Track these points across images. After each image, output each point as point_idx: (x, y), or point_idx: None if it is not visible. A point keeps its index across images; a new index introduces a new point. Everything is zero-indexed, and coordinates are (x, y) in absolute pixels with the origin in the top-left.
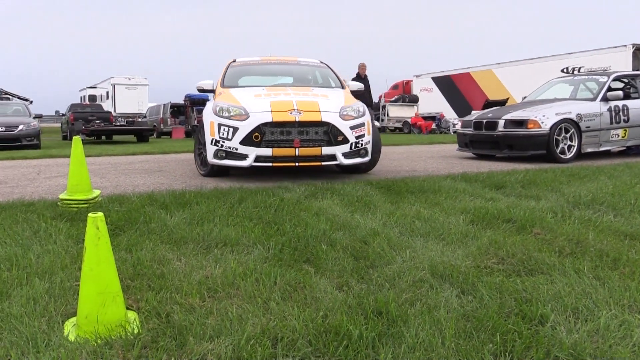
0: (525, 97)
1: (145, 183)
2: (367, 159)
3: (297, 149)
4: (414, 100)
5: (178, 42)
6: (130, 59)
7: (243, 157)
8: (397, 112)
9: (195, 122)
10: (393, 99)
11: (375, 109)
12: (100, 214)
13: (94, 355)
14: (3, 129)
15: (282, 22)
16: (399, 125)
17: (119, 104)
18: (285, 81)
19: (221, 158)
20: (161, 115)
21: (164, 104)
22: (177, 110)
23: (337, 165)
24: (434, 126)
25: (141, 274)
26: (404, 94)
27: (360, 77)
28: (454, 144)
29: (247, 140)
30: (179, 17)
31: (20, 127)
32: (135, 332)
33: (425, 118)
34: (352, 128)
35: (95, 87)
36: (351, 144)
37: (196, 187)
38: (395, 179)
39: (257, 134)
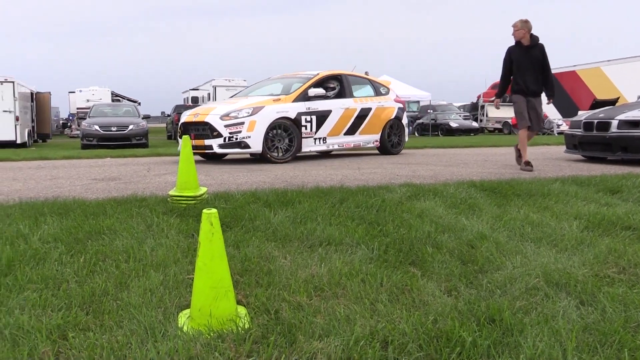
0: None
1: (247, 181)
2: (250, 149)
3: (193, 141)
4: None
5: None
6: (230, 63)
7: None
8: (497, 112)
9: None
10: (492, 98)
11: (473, 109)
12: (214, 210)
13: (207, 348)
14: (115, 128)
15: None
16: (498, 126)
17: None
18: (273, 90)
19: None
20: None
21: None
22: None
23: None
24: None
25: (249, 270)
26: (505, 94)
27: (522, 45)
28: (560, 145)
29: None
30: (275, 24)
31: (130, 127)
32: (246, 327)
33: None
34: (226, 126)
35: (197, 89)
36: (224, 137)
37: (297, 186)
38: (500, 180)
39: (181, 128)
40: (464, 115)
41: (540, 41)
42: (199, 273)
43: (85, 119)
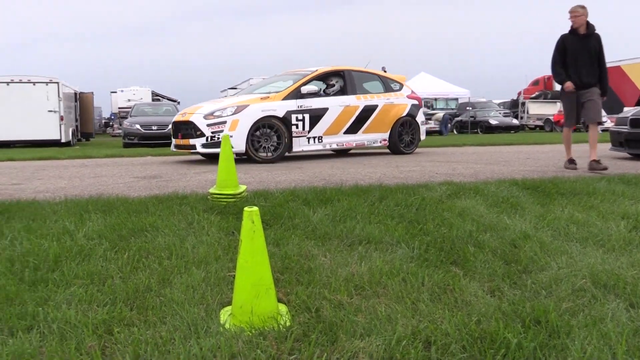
0: None
1: (286, 179)
2: (232, 149)
3: (180, 140)
4: (556, 96)
5: (311, 42)
6: (267, 61)
7: None
8: (538, 109)
9: None
10: (533, 95)
11: (514, 106)
12: (256, 208)
13: (249, 345)
14: (156, 127)
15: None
16: (539, 123)
17: None
18: (279, 87)
19: None
20: None
21: None
22: None
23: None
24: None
25: (289, 268)
26: (546, 90)
27: (578, 33)
28: (604, 143)
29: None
30: (312, 21)
31: (170, 126)
32: (287, 324)
33: None
34: (209, 125)
35: (235, 88)
36: (207, 137)
37: (336, 184)
38: (542, 179)
39: (173, 128)
40: (504, 113)
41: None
42: (241, 270)
43: (126, 118)
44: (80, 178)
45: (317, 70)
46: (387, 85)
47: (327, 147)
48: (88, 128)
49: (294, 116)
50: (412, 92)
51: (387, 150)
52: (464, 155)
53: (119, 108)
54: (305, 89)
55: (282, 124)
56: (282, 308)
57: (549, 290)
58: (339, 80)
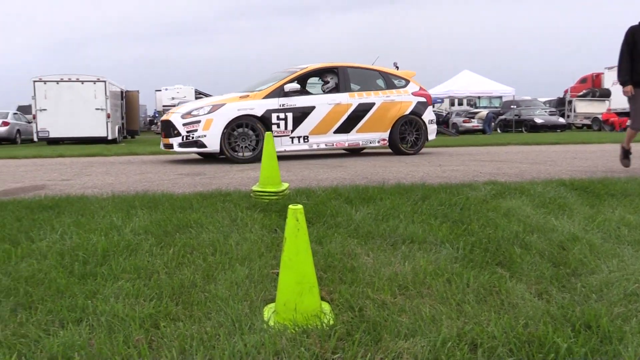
0: None
1: (328, 177)
2: (206, 149)
3: (163, 138)
4: (605, 94)
5: (358, 42)
6: (309, 60)
7: None
8: (586, 107)
9: None
10: (581, 93)
11: (560, 104)
12: (300, 206)
13: (293, 342)
14: None
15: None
16: (587, 122)
17: None
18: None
19: None
20: None
21: None
22: None
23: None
24: (628, 123)
25: (332, 266)
26: (594, 88)
27: None
28: None
29: None
30: (355, 20)
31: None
32: (331, 323)
33: (618, 114)
34: (184, 125)
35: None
36: (183, 136)
37: (378, 182)
38: (591, 179)
39: (160, 126)
40: (550, 111)
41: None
42: (285, 268)
43: None
44: (126, 174)
45: (306, 67)
46: (389, 81)
47: (315, 147)
48: (134, 125)
49: (274, 115)
50: (421, 88)
51: (429, 150)
52: (509, 154)
53: (163, 106)
54: (288, 87)
55: (261, 123)
56: (326, 306)
57: (600, 295)
58: (334, 77)
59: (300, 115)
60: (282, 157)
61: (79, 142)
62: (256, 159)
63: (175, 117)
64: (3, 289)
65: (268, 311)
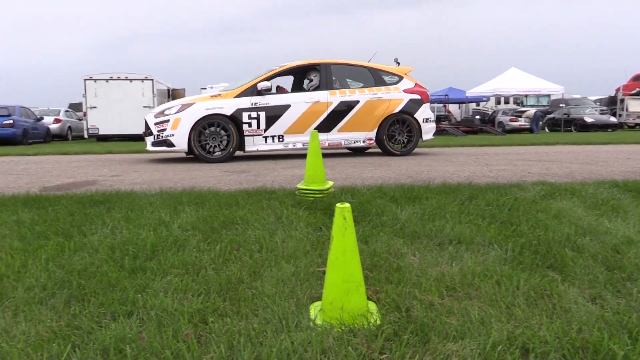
0: None
1: (372, 176)
2: (175, 148)
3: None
4: None
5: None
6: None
7: None
8: (639, 106)
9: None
10: (634, 91)
11: (611, 103)
12: (348, 205)
13: (339, 341)
14: None
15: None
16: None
17: None
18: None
19: None
20: None
21: None
22: None
23: None
24: None
25: (378, 265)
26: None
27: None
28: None
29: None
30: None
31: None
32: (377, 323)
33: None
34: (156, 124)
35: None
36: (154, 135)
37: (424, 181)
38: None
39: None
40: (601, 110)
41: None
42: (331, 266)
43: None
44: (173, 171)
45: (284, 65)
46: (379, 78)
47: (291, 146)
48: None
49: (245, 114)
50: (416, 85)
51: (471, 150)
52: (558, 154)
53: None
54: (261, 86)
55: (232, 123)
56: (372, 306)
57: None
58: (317, 75)
59: (274, 114)
60: (326, 155)
61: (127, 139)
62: (226, 158)
63: (149, 117)
64: (57, 281)
65: (314, 309)
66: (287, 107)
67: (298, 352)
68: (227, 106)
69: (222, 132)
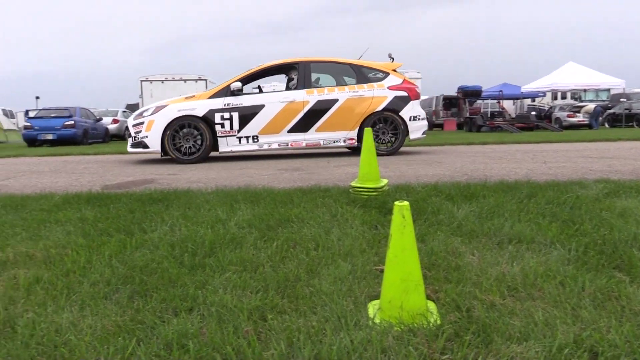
0: None
1: (427, 174)
2: (149, 149)
3: None
4: None
5: (450, 34)
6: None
7: None
8: None
9: (468, 114)
10: None
11: None
12: (406, 203)
13: (399, 341)
14: None
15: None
16: None
17: None
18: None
19: None
20: (433, 108)
21: (437, 97)
22: (449, 102)
23: None
24: None
25: (436, 264)
26: None
27: None
28: None
29: None
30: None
31: None
32: (437, 323)
33: None
34: (133, 126)
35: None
36: (132, 137)
37: (480, 179)
38: None
39: None
40: None
41: None
42: (390, 265)
43: None
44: (227, 169)
45: (261, 65)
46: (361, 75)
47: (266, 147)
48: None
49: (217, 115)
50: (404, 81)
51: (527, 147)
52: (620, 150)
53: None
54: (233, 86)
55: (205, 124)
56: (431, 305)
57: None
58: (297, 74)
59: (248, 114)
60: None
61: None
62: (200, 159)
63: (130, 119)
64: (120, 276)
65: (372, 308)
66: (261, 107)
67: (358, 351)
68: (200, 107)
69: (195, 133)
